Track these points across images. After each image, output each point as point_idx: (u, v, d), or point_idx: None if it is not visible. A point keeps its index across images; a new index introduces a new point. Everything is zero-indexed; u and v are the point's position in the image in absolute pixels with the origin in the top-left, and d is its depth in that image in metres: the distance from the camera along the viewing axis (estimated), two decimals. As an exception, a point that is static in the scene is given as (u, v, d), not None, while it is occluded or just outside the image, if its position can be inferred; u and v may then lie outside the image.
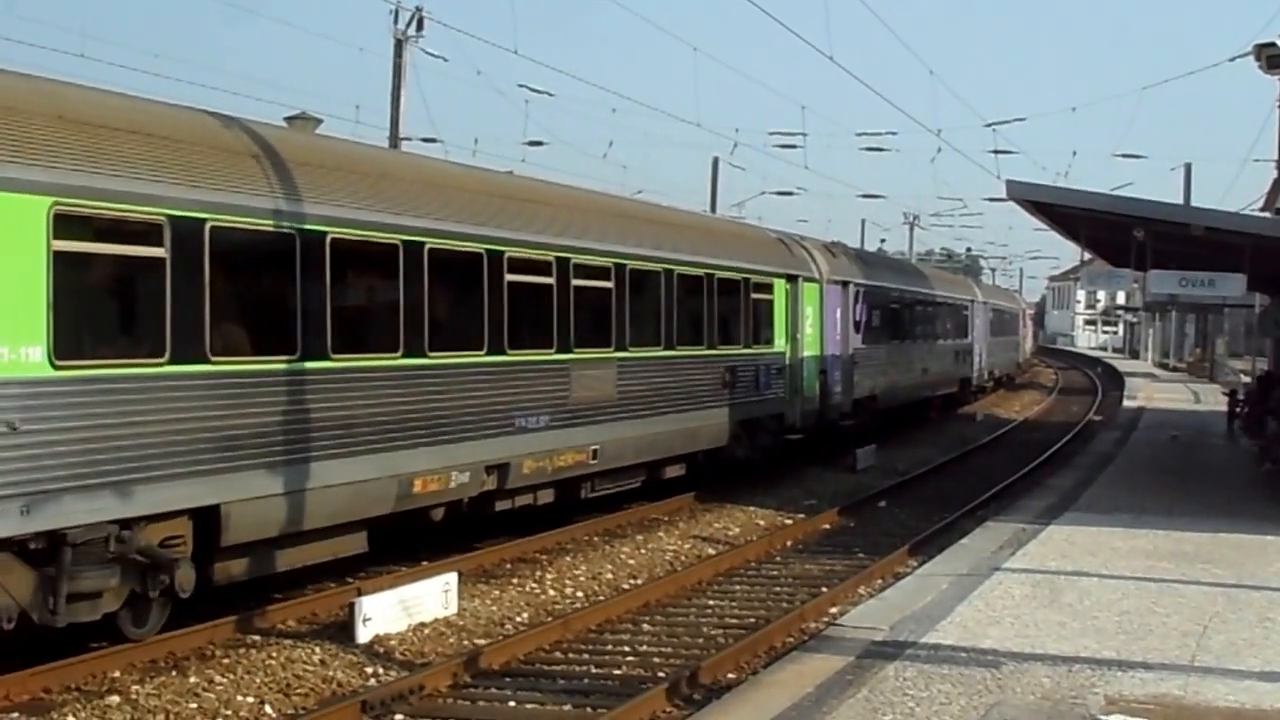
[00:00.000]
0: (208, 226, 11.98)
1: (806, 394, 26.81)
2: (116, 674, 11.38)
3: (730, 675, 11.70)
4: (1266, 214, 36.82)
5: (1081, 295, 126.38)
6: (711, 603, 15.11)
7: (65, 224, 10.60)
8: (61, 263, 10.54)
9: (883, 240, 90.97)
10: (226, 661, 11.83)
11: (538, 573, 16.12)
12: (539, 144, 40.99)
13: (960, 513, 21.17)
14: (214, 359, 12.08)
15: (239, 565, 12.83)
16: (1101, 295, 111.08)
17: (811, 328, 27.18)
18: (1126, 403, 45.67)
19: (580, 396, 18.11)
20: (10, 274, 10.15)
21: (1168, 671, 10.26)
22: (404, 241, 14.66)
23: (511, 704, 11.01)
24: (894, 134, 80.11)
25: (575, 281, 18.09)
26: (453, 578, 13.93)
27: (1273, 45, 34.73)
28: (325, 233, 13.48)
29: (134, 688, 10.96)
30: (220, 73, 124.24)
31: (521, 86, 36.28)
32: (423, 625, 13.16)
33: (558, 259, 17.71)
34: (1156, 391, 51.62)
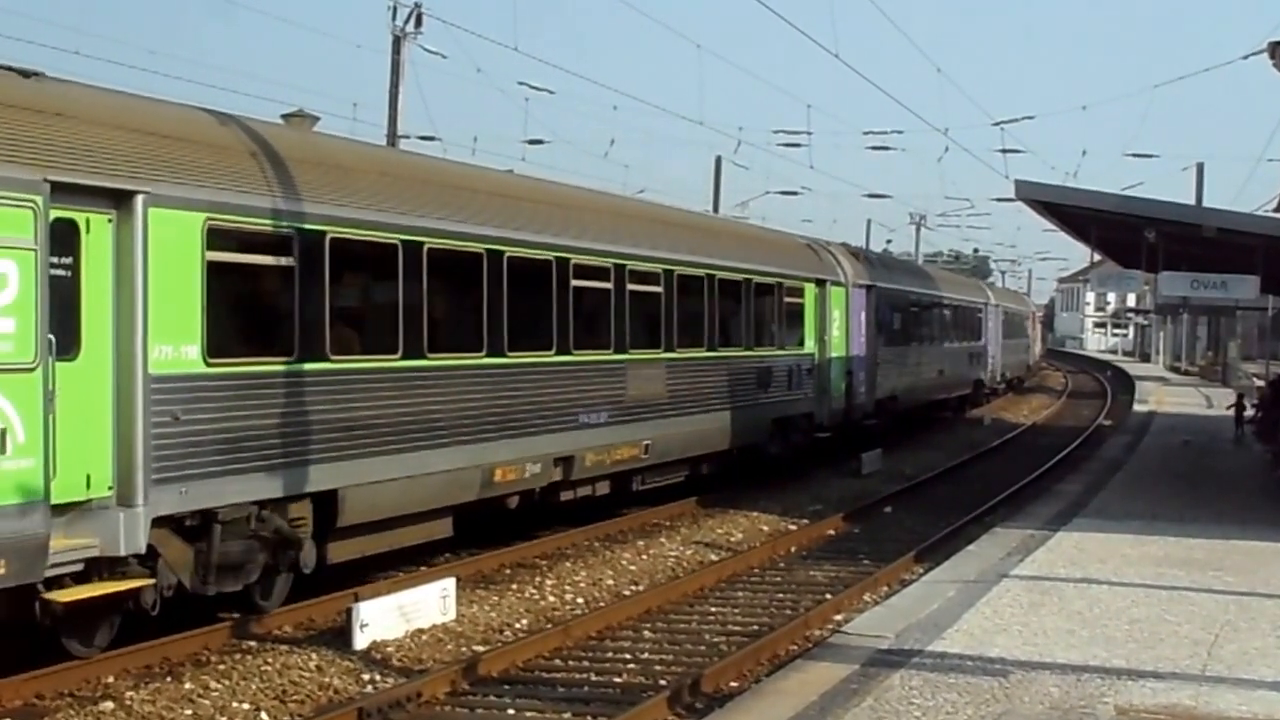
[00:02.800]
0: (328, 238, 13.35)
1: (834, 394, 28.05)
2: (110, 679, 11.31)
3: (733, 683, 11.57)
4: None
5: (1091, 297, 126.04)
6: (714, 609, 14.97)
7: (215, 236, 12.06)
8: (212, 271, 12.01)
9: (888, 241, 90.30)
10: (222, 667, 11.74)
11: (537, 578, 16.01)
12: (539, 142, 41.22)
13: (967, 518, 20.98)
14: (332, 357, 13.44)
15: (350, 546, 14.15)
16: (1111, 297, 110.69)
17: (838, 330, 28.36)
18: (1137, 407, 45.46)
19: (634, 394, 19.45)
20: (174, 281, 11.60)
21: (1179, 681, 10.12)
22: (487, 250, 16.01)
23: (511, 712, 10.89)
24: (900, 133, 79.57)
25: (630, 286, 19.42)
26: (451, 583, 13.84)
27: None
28: (422, 243, 14.80)
29: (128, 693, 10.87)
30: (216, 69, 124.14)
31: (521, 84, 36.40)
32: (421, 631, 13.06)
33: (615, 265, 19.06)
34: (1167, 395, 51.41)
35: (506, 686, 11.55)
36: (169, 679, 11.32)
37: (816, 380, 26.92)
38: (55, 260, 10.67)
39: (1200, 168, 53.10)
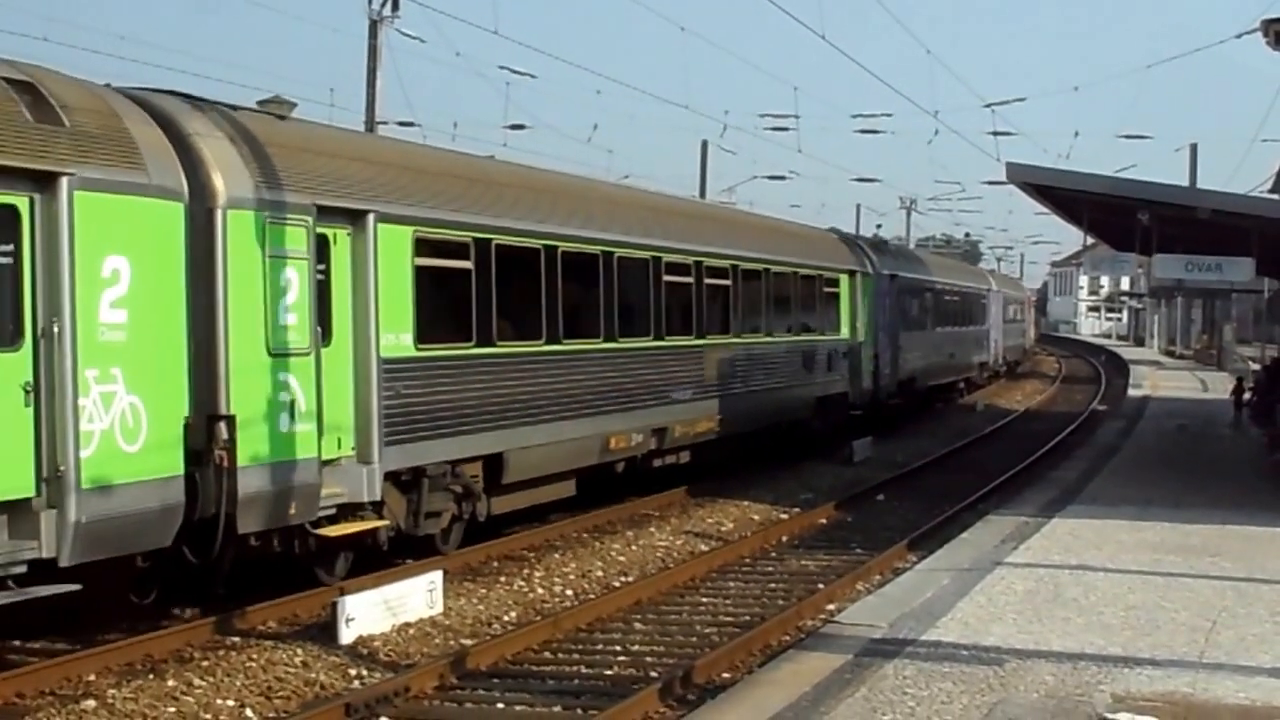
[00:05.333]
0: (493, 244, 16.23)
1: (864, 375, 30.79)
2: (92, 677, 11.17)
3: (725, 675, 11.47)
4: (1275, 195, 36.41)
5: (1084, 281, 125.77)
6: (705, 600, 14.87)
7: (420, 245, 14.94)
8: (418, 273, 14.85)
9: (878, 225, 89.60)
10: (205, 664, 11.59)
11: (525, 570, 15.89)
12: (520, 127, 40.74)
13: (960, 506, 20.89)
14: (498, 343, 16.32)
15: (507, 500, 17.00)
16: (1105, 281, 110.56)
17: (868, 316, 31.07)
18: (1131, 391, 45.40)
19: (710, 374, 22.40)
20: (393, 281, 14.40)
21: (1176, 668, 10.03)
22: (603, 251, 18.99)
23: (500, 705, 10.79)
24: (889, 115, 79.00)
25: (706, 280, 22.34)
26: (438, 576, 13.72)
27: (1280, 23, 34.23)
28: (557, 246, 17.70)
29: (110, 691, 10.74)
30: (188, 55, 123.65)
31: (502, 68, 36.20)
32: (407, 625, 12.94)
33: (695, 262, 21.97)
34: (1162, 380, 51.37)
35: (495, 680, 11.46)
36: (151, 676, 11.17)
37: (850, 363, 29.70)
38: (317, 267, 13.35)
39: (1194, 149, 52.83)
